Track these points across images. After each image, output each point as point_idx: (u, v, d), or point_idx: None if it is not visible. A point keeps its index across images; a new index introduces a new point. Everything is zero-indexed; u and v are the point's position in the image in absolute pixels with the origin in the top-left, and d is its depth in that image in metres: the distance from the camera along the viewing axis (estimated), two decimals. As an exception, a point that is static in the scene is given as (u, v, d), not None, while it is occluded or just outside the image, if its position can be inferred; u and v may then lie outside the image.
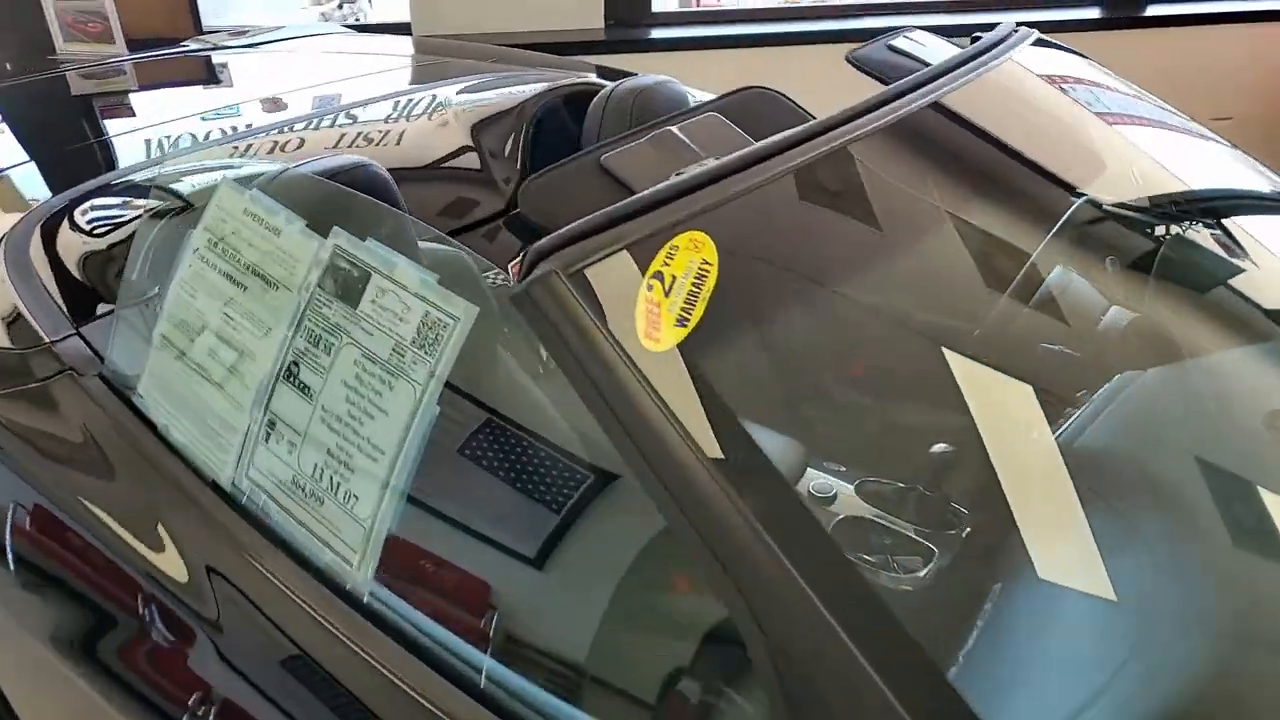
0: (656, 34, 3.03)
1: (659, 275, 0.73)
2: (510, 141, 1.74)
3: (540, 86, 1.89)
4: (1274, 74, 3.66)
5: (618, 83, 1.68)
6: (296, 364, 0.86)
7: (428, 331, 0.78)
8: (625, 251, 0.73)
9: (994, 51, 1.21)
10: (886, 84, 1.14)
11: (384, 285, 0.80)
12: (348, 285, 0.83)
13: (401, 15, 2.96)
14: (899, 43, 1.39)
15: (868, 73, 1.33)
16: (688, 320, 0.74)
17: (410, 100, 1.84)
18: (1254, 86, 3.63)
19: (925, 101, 1.05)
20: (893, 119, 1.00)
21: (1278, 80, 3.69)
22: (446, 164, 1.69)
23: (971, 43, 1.32)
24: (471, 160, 1.71)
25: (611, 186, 1.18)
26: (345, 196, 0.98)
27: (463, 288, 0.78)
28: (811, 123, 0.95)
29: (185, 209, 1.09)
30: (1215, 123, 3.73)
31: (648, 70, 2.64)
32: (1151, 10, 3.45)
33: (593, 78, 2.02)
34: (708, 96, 1.82)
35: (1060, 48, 1.56)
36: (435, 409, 0.77)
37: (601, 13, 2.95)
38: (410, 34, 2.90)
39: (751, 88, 1.49)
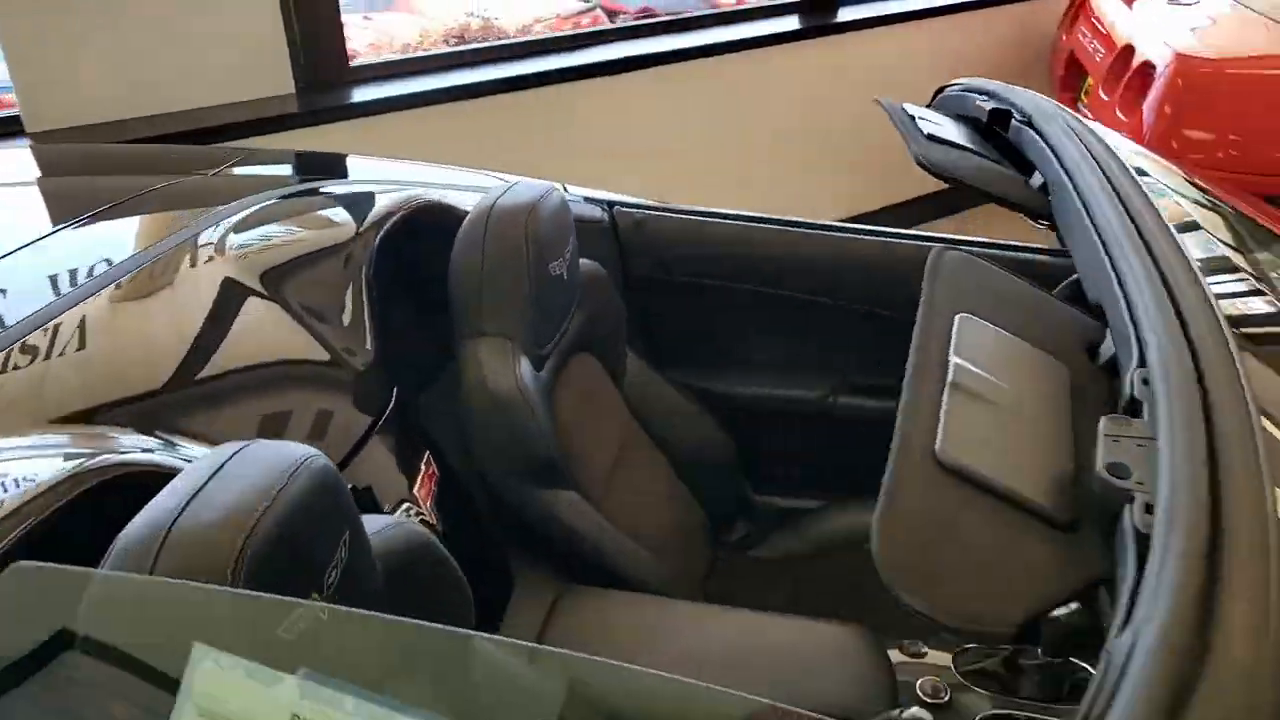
0: (360, 95, 2.47)
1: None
2: (347, 297, 1.22)
3: (380, 209, 1.42)
4: (958, 63, 3.84)
5: (491, 199, 1.34)
6: None
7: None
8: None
9: None
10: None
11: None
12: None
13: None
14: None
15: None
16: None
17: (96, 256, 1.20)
18: (947, 76, 3.79)
19: None
20: None
21: (962, 69, 3.89)
22: (245, 353, 1.11)
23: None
24: (283, 336, 1.16)
25: (992, 506, 0.76)
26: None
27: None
28: None
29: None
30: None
31: (356, 145, 2.16)
32: (843, 15, 3.48)
33: (431, 195, 1.52)
34: (586, 193, 1.69)
35: None
36: None
37: (290, 75, 2.34)
38: (21, 134, 2.11)
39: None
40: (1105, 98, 2.90)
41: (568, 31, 3.11)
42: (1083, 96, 3.32)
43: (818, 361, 1.76)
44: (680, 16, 3.26)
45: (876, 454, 1.76)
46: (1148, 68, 2.68)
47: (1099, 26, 3.21)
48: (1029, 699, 1.14)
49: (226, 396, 1.03)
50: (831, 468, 1.82)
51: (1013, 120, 1.17)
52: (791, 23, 3.42)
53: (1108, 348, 0.87)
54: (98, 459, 0.79)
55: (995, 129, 1.24)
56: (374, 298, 1.29)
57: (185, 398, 0.99)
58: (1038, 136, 1.08)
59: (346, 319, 1.24)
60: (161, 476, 0.72)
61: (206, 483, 0.68)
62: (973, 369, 0.87)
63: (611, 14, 3.58)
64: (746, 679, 1.17)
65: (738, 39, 3.23)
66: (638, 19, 3.35)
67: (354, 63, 2.54)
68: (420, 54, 2.79)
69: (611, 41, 3.04)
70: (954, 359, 0.86)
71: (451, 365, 1.34)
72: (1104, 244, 0.88)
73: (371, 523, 0.83)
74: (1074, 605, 1.08)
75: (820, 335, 1.73)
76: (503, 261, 1.31)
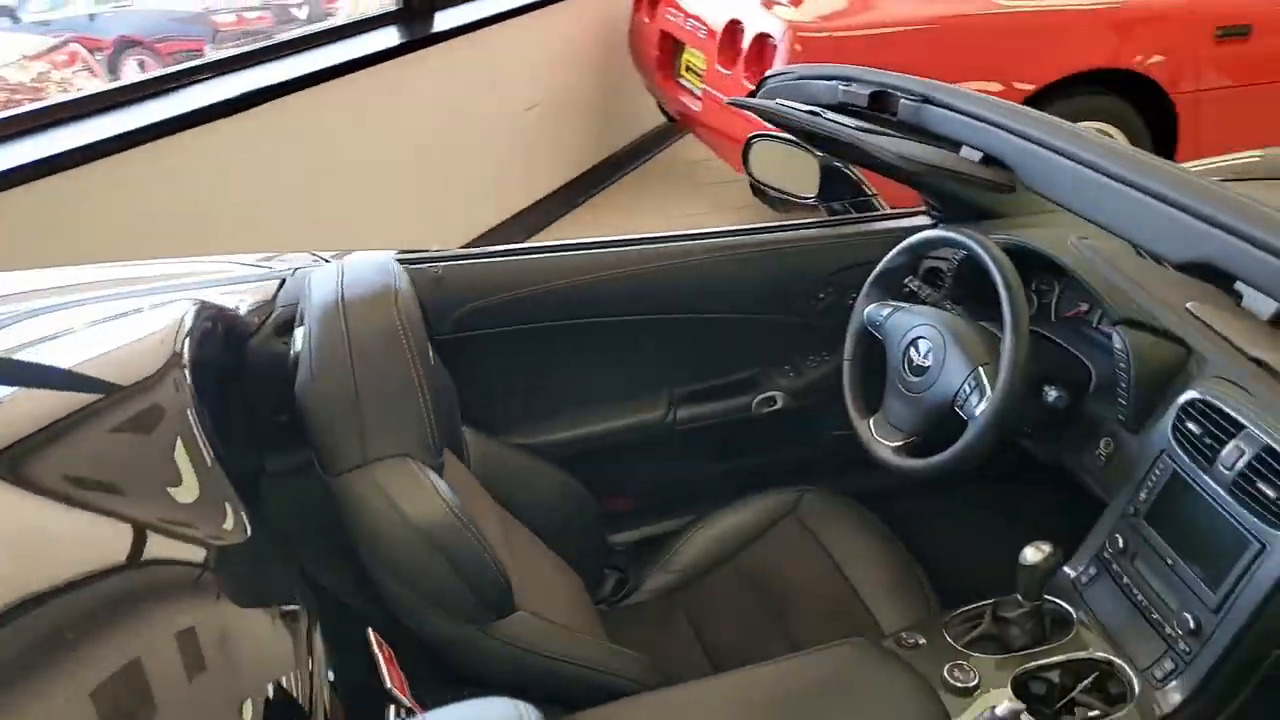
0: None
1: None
2: (176, 458, 0.88)
3: (159, 330, 1.05)
4: (556, 56, 3.88)
5: (330, 295, 1.10)
6: None
7: None
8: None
9: None
10: None
11: None
12: None
13: None
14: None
15: None
16: None
17: None
18: (547, 70, 3.82)
19: None
20: None
21: (563, 59, 3.94)
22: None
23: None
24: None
25: None
26: None
27: None
28: None
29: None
30: (529, 112, 3.89)
31: None
32: (439, 24, 3.35)
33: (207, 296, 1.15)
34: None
35: None
36: None
37: None
38: None
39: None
40: (725, 70, 3.10)
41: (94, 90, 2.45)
42: (683, 72, 3.53)
43: (654, 380, 1.67)
44: (256, 48, 2.83)
45: (717, 460, 1.73)
46: (764, 39, 2.90)
47: (685, 6, 3.41)
48: (1023, 649, 1.18)
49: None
50: (676, 485, 1.75)
51: (903, 100, 1.15)
52: (391, 37, 3.21)
53: None
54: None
55: (878, 112, 1.20)
56: (215, 446, 0.96)
57: None
58: (950, 111, 1.07)
59: (188, 490, 0.90)
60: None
61: None
62: None
63: (93, 49, 2.99)
64: None
65: (341, 62, 2.94)
66: (184, 52, 2.79)
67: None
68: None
69: (171, 90, 2.51)
70: None
71: (312, 509, 1.06)
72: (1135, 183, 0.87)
73: None
74: (1043, 550, 1.14)
75: (648, 353, 1.64)
76: (381, 367, 1.05)
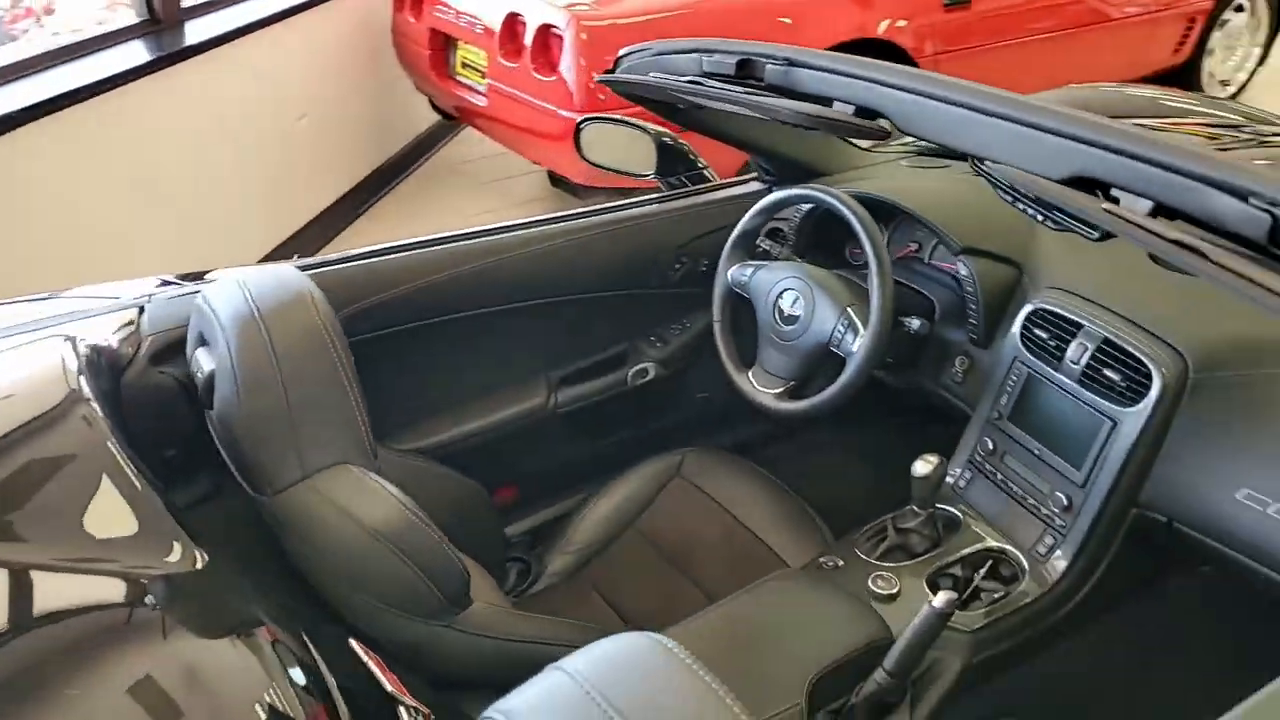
0: None
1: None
2: (104, 486, 0.83)
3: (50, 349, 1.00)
4: (327, 59, 3.72)
5: (242, 309, 1.03)
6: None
7: None
8: None
9: None
10: None
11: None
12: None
13: None
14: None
15: None
16: None
17: None
18: (312, 78, 3.65)
19: None
20: None
21: (335, 63, 3.78)
22: None
23: None
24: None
25: None
26: None
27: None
28: None
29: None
30: (299, 122, 3.73)
31: None
32: (191, 36, 3.13)
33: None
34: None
35: None
36: None
37: None
38: None
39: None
40: (510, 64, 3.10)
41: None
42: (460, 69, 3.50)
43: (531, 367, 1.68)
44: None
45: (599, 437, 1.76)
46: (548, 30, 2.94)
47: (455, 3, 3.38)
48: (926, 553, 1.32)
49: None
50: (563, 467, 1.77)
51: (768, 66, 1.21)
52: (138, 54, 2.95)
53: None
54: None
55: (744, 79, 1.26)
56: (144, 469, 0.89)
57: None
58: (819, 71, 1.15)
59: (124, 524, 0.84)
60: None
61: None
62: None
63: None
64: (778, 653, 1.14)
65: (81, 86, 2.66)
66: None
67: None
68: None
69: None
70: None
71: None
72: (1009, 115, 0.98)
73: None
74: (931, 461, 1.28)
75: (521, 341, 1.65)
76: (310, 375, 1.01)
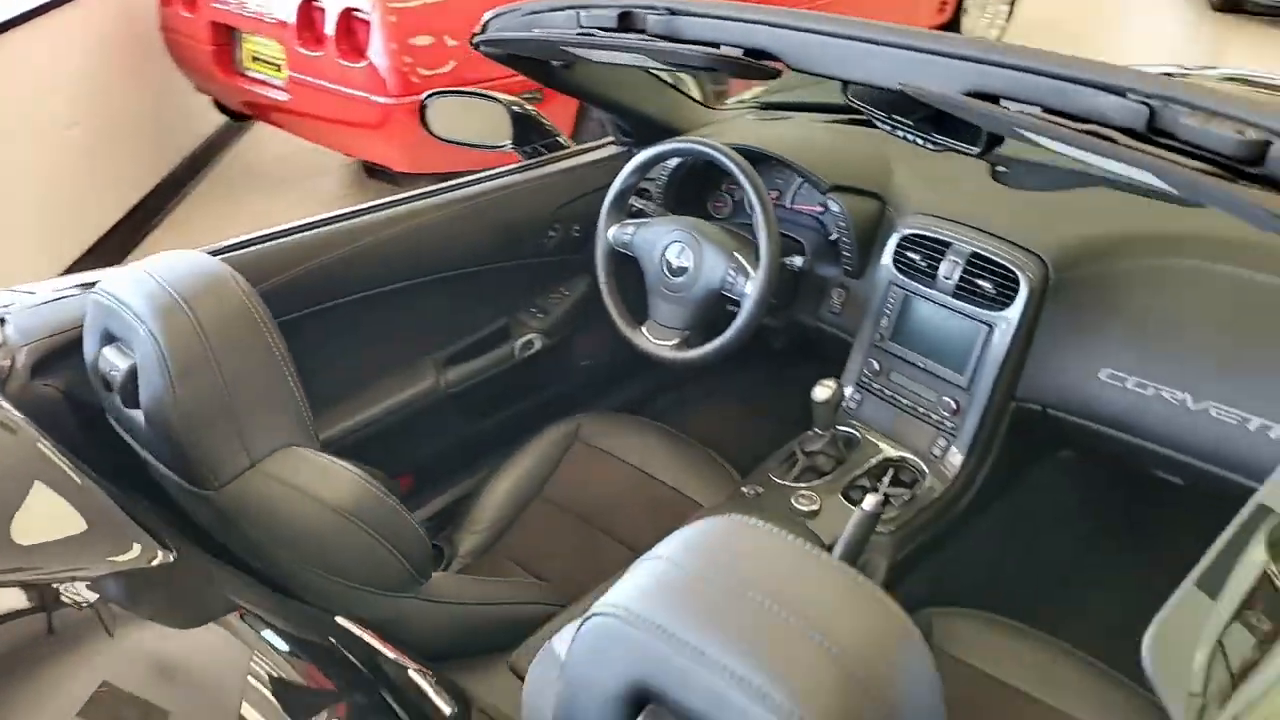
0: None
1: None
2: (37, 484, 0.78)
3: None
4: (88, 65, 3.40)
5: (161, 297, 0.97)
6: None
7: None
8: None
9: None
10: None
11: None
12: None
13: None
14: None
15: None
16: None
17: None
18: (77, 83, 3.33)
19: None
20: None
21: (95, 64, 3.45)
22: None
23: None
24: None
25: None
26: None
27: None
28: None
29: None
30: (70, 132, 3.43)
31: None
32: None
33: None
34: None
35: None
36: None
37: None
38: None
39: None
40: (312, 53, 2.95)
41: None
42: (250, 63, 3.30)
43: (416, 350, 1.63)
44: None
45: (492, 413, 1.74)
46: (350, 15, 2.81)
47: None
48: (833, 470, 1.41)
49: None
50: (460, 447, 1.74)
51: (650, 16, 1.21)
52: None
53: None
54: None
55: (626, 30, 1.26)
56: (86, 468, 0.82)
57: None
58: (701, 18, 1.17)
59: (71, 523, 0.77)
60: None
61: None
62: None
63: None
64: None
65: None
66: None
67: None
68: None
69: None
70: None
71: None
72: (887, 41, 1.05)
73: None
74: (830, 385, 1.36)
75: (403, 324, 1.59)
76: (245, 356, 0.96)
